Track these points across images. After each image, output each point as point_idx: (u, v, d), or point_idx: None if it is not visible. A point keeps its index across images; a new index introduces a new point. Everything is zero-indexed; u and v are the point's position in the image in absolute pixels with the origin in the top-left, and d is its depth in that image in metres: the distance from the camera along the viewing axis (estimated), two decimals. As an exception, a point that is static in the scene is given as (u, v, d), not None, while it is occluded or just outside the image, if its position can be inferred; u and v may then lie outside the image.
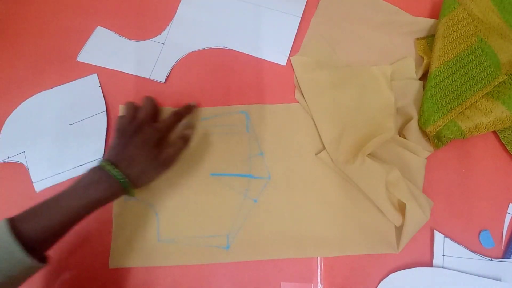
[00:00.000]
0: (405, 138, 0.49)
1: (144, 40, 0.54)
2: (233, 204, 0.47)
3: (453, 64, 0.49)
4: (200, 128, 0.50)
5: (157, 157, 0.41)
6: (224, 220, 0.47)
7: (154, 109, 0.46)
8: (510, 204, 0.48)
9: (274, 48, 0.54)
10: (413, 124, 0.49)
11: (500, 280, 0.45)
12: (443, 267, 0.45)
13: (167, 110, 0.51)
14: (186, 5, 0.56)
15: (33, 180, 0.47)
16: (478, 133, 0.48)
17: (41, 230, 0.35)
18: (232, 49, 0.54)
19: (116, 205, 0.47)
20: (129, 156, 0.40)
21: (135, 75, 0.52)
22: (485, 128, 0.47)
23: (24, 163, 0.48)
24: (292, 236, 0.46)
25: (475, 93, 0.48)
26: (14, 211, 0.46)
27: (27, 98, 0.51)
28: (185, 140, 0.45)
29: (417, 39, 0.55)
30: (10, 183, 0.48)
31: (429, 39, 0.54)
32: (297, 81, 0.52)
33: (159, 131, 0.43)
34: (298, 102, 0.52)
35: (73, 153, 0.48)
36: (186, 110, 0.48)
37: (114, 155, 0.40)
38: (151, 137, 0.42)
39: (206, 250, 0.46)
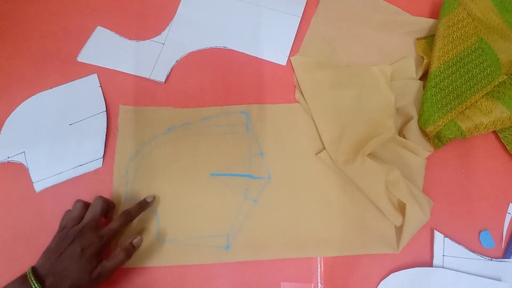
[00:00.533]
0: (405, 138, 0.49)
1: (144, 40, 0.54)
2: (233, 204, 0.47)
3: (453, 64, 0.49)
4: (200, 128, 0.50)
5: (93, 271, 0.38)
6: (224, 220, 0.47)
7: (102, 211, 0.42)
8: (510, 204, 0.48)
9: (274, 48, 0.54)
10: (413, 124, 0.49)
11: (500, 280, 0.45)
12: (443, 267, 0.45)
13: (167, 110, 0.51)
14: (186, 5, 0.56)
15: (33, 180, 0.47)
16: (478, 133, 0.48)
17: None
18: (232, 49, 0.54)
19: (116, 205, 0.47)
20: (61, 269, 0.37)
21: (135, 75, 0.52)
22: (485, 128, 0.47)
23: (24, 163, 0.48)
24: (292, 236, 0.46)
25: (475, 93, 0.48)
26: (14, 211, 0.47)
27: (27, 98, 0.51)
28: (127, 253, 0.41)
29: (417, 39, 0.55)
30: (10, 183, 0.48)
31: (429, 39, 0.54)
32: (297, 81, 0.52)
33: (102, 239, 0.40)
34: (298, 102, 0.52)
35: (73, 153, 0.48)
36: (140, 208, 0.44)
37: (46, 265, 0.37)
38: (91, 246, 0.39)
39: (206, 250, 0.46)
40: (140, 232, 0.46)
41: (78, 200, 0.44)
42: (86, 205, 0.43)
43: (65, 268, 0.37)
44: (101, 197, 0.44)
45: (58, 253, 0.38)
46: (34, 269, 0.37)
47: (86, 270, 0.38)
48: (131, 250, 0.42)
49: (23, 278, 0.37)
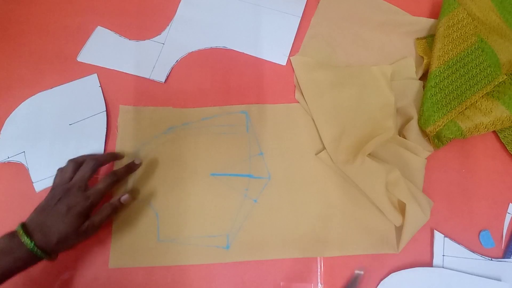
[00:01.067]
0: (405, 138, 0.49)
1: (144, 40, 0.54)
2: (233, 204, 0.47)
3: (453, 64, 0.49)
4: (200, 128, 0.50)
5: (79, 227, 0.40)
6: (224, 220, 0.47)
7: (93, 172, 0.43)
8: (510, 204, 0.48)
9: (274, 48, 0.54)
10: (413, 124, 0.49)
11: (500, 280, 0.45)
12: (443, 267, 0.45)
13: (167, 110, 0.51)
14: (186, 5, 0.56)
15: (33, 180, 0.47)
16: (478, 133, 0.48)
17: None
18: (232, 49, 0.54)
19: (121, 156, 0.47)
20: (49, 224, 0.39)
21: (135, 75, 0.52)
22: (485, 128, 0.47)
23: (24, 163, 0.48)
24: (292, 236, 0.46)
25: (475, 93, 0.48)
26: (14, 211, 0.47)
27: (27, 98, 0.51)
28: (114, 208, 0.43)
29: (417, 39, 0.55)
30: (10, 183, 0.48)
31: (429, 39, 0.54)
32: (297, 81, 0.52)
33: (87, 199, 0.40)
34: (298, 102, 0.52)
35: (73, 153, 0.48)
36: (127, 171, 0.45)
37: (34, 221, 0.39)
38: (77, 205, 0.40)
39: (206, 250, 0.46)
40: (140, 232, 0.46)
41: (71, 160, 0.44)
42: (79, 165, 0.43)
43: (52, 224, 0.39)
44: (92, 157, 0.44)
45: (46, 211, 0.40)
46: (23, 225, 0.39)
47: (72, 226, 0.39)
48: (118, 207, 0.43)
49: (12, 234, 0.38)
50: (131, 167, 0.46)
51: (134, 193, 0.45)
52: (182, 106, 0.51)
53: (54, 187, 0.42)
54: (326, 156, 0.48)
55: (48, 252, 0.39)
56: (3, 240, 0.38)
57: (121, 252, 0.45)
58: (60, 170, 0.44)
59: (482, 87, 0.48)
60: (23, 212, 0.47)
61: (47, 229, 0.39)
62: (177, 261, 0.45)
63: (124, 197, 0.44)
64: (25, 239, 0.37)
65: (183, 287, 0.45)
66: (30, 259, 0.38)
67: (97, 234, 0.46)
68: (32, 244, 0.37)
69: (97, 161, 0.44)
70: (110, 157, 0.47)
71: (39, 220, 0.39)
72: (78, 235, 0.40)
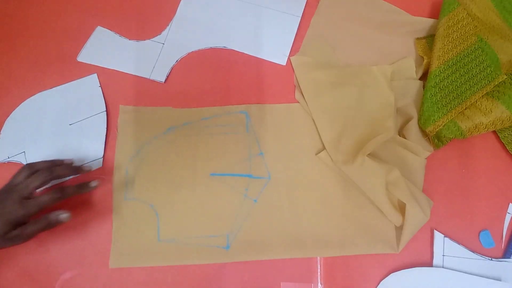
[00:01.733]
0: (405, 138, 0.49)
1: (144, 40, 0.54)
2: (233, 204, 0.47)
3: (453, 64, 0.49)
4: (200, 128, 0.50)
5: (5, 234, 0.38)
6: (224, 220, 0.47)
7: (42, 184, 0.41)
8: (510, 204, 0.48)
9: (274, 48, 0.54)
10: (413, 124, 0.49)
11: (500, 280, 0.45)
12: (443, 267, 0.45)
13: (167, 110, 0.51)
14: (186, 5, 0.56)
15: (33, 180, 0.47)
16: (478, 133, 0.48)
17: None
18: (232, 49, 0.54)
19: (116, 205, 0.47)
20: None
21: (135, 75, 0.52)
22: (485, 128, 0.47)
23: (24, 163, 0.48)
24: (292, 236, 0.46)
25: (475, 93, 0.48)
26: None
27: (27, 98, 0.51)
28: (48, 224, 0.40)
29: (417, 39, 0.55)
30: (10, 183, 0.48)
31: (429, 39, 0.54)
32: (297, 81, 0.52)
33: (24, 209, 0.39)
34: (298, 102, 0.52)
35: (73, 153, 0.48)
36: (77, 191, 0.43)
37: None
38: (11, 213, 0.38)
39: (206, 250, 0.46)
40: (140, 232, 0.46)
41: (28, 165, 0.43)
42: (34, 171, 0.42)
43: None
44: (48, 168, 0.42)
45: None
46: None
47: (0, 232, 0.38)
48: (53, 222, 0.41)
49: None
50: (83, 188, 0.44)
51: (69, 214, 0.42)
52: (182, 106, 0.51)
53: (9, 182, 0.41)
54: (326, 156, 0.48)
55: None
56: None
57: (122, 252, 0.45)
58: (17, 172, 0.42)
59: (482, 87, 0.48)
60: (23, 212, 0.47)
61: None
62: (177, 261, 0.45)
63: (62, 216, 0.41)
64: None
65: (183, 287, 0.45)
66: None
67: (97, 234, 0.46)
68: None
69: (51, 173, 0.42)
70: (70, 171, 0.44)
71: None
72: (4, 240, 0.38)
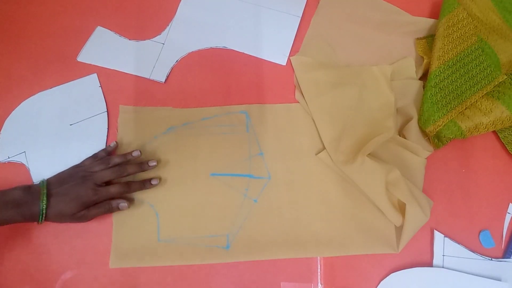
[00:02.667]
0: (405, 138, 0.49)
1: (144, 40, 0.54)
2: (233, 204, 0.47)
3: (453, 64, 0.49)
4: (200, 128, 0.50)
5: (76, 213, 0.42)
6: (224, 220, 0.47)
7: (116, 177, 0.45)
8: (510, 204, 0.48)
9: (274, 48, 0.54)
10: (413, 124, 0.49)
11: (500, 280, 0.45)
12: (443, 267, 0.45)
13: (167, 110, 0.51)
14: (186, 5, 0.56)
15: (34, 180, 0.47)
16: (478, 133, 0.48)
17: None
18: (232, 49, 0.54)
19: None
20: (56, 198, 0.42)
21: (135, 75, 0.52)
22: (485, 128, 0.47)
23: (25, 163, 0.48)
24: (292, 236, 0.46)
25: (475, 93, 0.48)
26: (14, 211, 0.47)
27: (27, 98, 0.51)
28: (110, 209, 0.44)
29: (417, 39, 0.55)
30: (10, 183, 0.47)
31: (429, 39, 0.54)
32: (297, 81, 0.52)
33: (96, 195, 0.43)
34: (298, 102, 0.52)
35: (74, 153, 0.48)
36: (140, 187, 0.46)
37: (55, 184, 0.43)
38: (84, 196, 0.43)
39: (206, 250, 0.46)
40: (140, 232, 0.46)
41: (108, 158, 0.46)
42: (110, 164, 0.45)
43: (58, 200, 0.42)
44: (124, 169, 0.45)
45: (61, 186, 0.43)
46: (47, 186, 0.42)
47: (71, 210, 0.42)
48: (113, 209, 0.45)
49: (29, 188, 0.42)
50: (146, 185, 0.47)
51: (131, 202, 0.46)
52: (182, 106, 0.51)
53: (80, 165, 0.46)
54: (326, 156, 0.48)
55: (45, 217, 0.41)
56: (18, 192, 0.41)
57: (122, 252, 0.45)
58: (94, 157, 0.46)
59: (482, 87, 0.48)
60: (23, 212, 0.47)
61: (53, 201, 0.42)
62: (177, 261, 0.45)
63: (122, 205, 0.45)
64: (44, 201, 0.41)
65: (183, 287, 0.45)
66: (29, 218, 0.41)
67: (97, 234, 0.46)
68: (45, 208, 0.41)
69: (124, 171, 0.45)
70: (138, 169, 0.46)
71: (56, 189, 0.42)
72: (71, 218, 0.43)
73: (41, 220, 0.41)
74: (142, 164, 0.47)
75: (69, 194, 0.42)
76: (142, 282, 0.45)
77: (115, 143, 0.48)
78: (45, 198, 0.41)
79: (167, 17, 0.55)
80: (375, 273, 0.45)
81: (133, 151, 0.47)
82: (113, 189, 0.44)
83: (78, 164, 0.46)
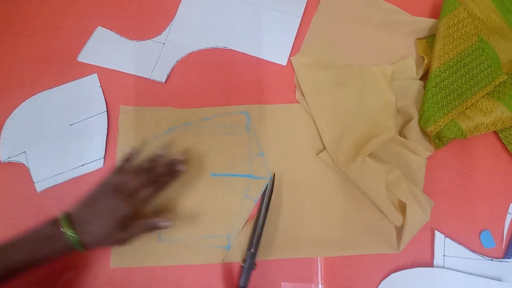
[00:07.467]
0: (405, 138, 0.49)
1: (145, 40, 0.54)
2: (233, 204, 0.47)
3: (454, 64, 0.49)
4: (201, 128, 0.50)
5: (114, 234, 0.39)
6: (224, 220, 0.47)
7: (148, 182, 0.42)
8: (511, 204, 0.48)
9: (274, 48, 0.54)
10: (414, 124, 0.49)
11: (500, 280, 0.45)
12: (443, 267, 0.45)
13: (168, 110, 0.51)
14: (186, 5, 0.56)
15: (34, 180, 0.47)
16: (479, 133, 0.48)
17: None
18: (233, 49, 0.54)
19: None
20: (90, 220, 0.39)
21: (136, 75, 0.52)
22: (486, 128, 0.47)
23: (25, 163, 0.48)
24: (292, 236, 0.46)
25: (475, 93, 0.48)
26: (15, 211, 0.47)
27: (27, 98, 0.51)
28: (147, 229, 0.41)
29: (418, 39, 0.55)
30: (11, 183, 0.48)
31: (430, 39, 0.54)
32: (298, 81, 0.52)
33: (131, 206, 0.40)
34: (299, 102, 0.52)
35: (74, 153, 0.48)
36: (170, 179, 0.44)
37: (78, 212, 0.39)
38: (118, 211, 0.40)
39: (206, 250, 0.46)
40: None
41: (126, 160, 0.43)
42: (135, 168, 0.43)
43: (93, 221, 0.39)
44: (159, 165, 0.43)
45: (92, 206, 0.40)
46: (68, 216, 0.39)
47: (107, 230, 0.39)
48: (153, 229, 0.42)
49: (54, 221, 0.38)
50: (174, 175, 0.44)
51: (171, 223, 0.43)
52: (182, 106, 0.51)
53: (106, 181, 0.41)
54: (327, 156, 0.48)
55: (84, 245, 0.38)
56: (47, 227, 0.38)
57: (122, 252, 0.45)
58: (119, 169, 0.42)
59: (483, 87, 0.48)
60: (23, 212, 0.47)
61: (87, 225, 0.39)
62: (178, 261, 0.45)
63: (166, 223, 0.42)
64: (69, 232, 0.37)
65: (184, 287, 0.45)
66: (68, 250, 0.38)
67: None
68: (76, 238, 0.37)
69: (153, 175, 0.43)
70: (167, 170, 0.44)
71: (84, 213, 0.39)
72: (109, 242, 0.40)
73: (81, 249, 0.38)
74: (173, 163, 0.44)
75: (100, 213, 0.39)
76: (143, 282, 0.45)
77: (132, 149, 0.44)
78: (67, 227, 0.38)
79: (168, 17, 0.55)
80: (376, 273, 0.45)
81: (159, 149, 0.45)
82: (144, 192, 0.41)
83: (103, 181, 0.42)
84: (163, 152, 0.45)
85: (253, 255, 0.43)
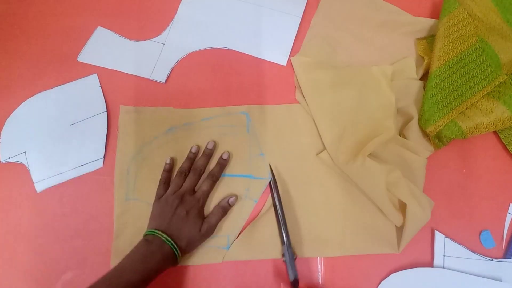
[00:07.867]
0: (405, 138, 0.49)
1: (145, 40, 0.54)
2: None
3: (454, 64, 0.49)
4: (201, 129, 0.50)
5: (200, 228, 0.43)
6: (224, 220, 0.47)
7: (198, 178, 0.47)
8: (511, 204, 0.48)
9: (274, 48, 0.54)
10: (414, 124, 0.49)
11: (500, 280, 0.45)
12: (443, 267, 0.45)
13: (168, 110, 0.51)
14: (186, 5, 0.56)
15: (34, 180, 0.47)
16: (479, 133, 0.48)
17: None
18: (233, 49, 0.54)
19: (117, 206, 0.47)
20: (176, 227, 0.42)
21: (136, 75, 0.52)
22: (486, 128, 0.47)
23: (25, 163, 0.48)
24: (292, 236, 0.46)
25: (475, 93, 0.48)
26: (15, 211, 0.47)
27: (27, 98, 0.51)
28: (224, 209, 0.46)
29: (418, 39, 0.55)
30: (11, 183, 0.48)
31: (430, 39, 0.54)
32: (298, 81, 0.52)
33: (198, 201, 0.45)
34: (299, 103, 0.52)
35: (74, 153, 0.48)
36: (221, 168, 0.47)
37: (163, 226, 0.42)
38: (193, 208, 0.44)
39: (207, 250, 0.46)
40: (141, 232, 0.46)
41: (180, 172, 0.47)
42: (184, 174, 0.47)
43: (177, 229, 0.42)
44: (200, 158, 0.47)
45: (167, 218, 0.43)
46: (158, 230, 0.41)
47: (195, 228, 0.43)
48: (227, 208, 0.46)
49: (146, 241, 0.41)
50: (223, 164, 0.48)
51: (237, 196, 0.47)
52: (182, 106, 0.51)
53: (160, 196, 0.45)
54: (327, 156, 0.48)
55: (181, 252, 0.42)
56: (144, 244, 0.41)
57: (122, 252, 0.45)
58: (176, 185, 0.46)
59: (483, 87, 0.48)
60: (23, 212, 0.47)
61: (175, 235, 0.42)
62: (177, 261, 0.45)
63: (232, 199, 0.46)
64: (168, 240, 0.40)
65: (183, 287, 0.45)
66: (169, 261, 0.41)
67: (98, 234, 0.46)
68: (176, 247, 0.41)
69: (214, 177, 0.47)
70: (221, 169, 0.48)
71: (165, 227, 0.42)
72: (201, 236, 0.43)
73: (179, 256, 0.41)
74: (209, 153, 0.48)
75: (180, 218, 0.43)
76: (142, 282, 0.45)
77: (170, 159, 0.48)
78: (164, 235, 0.41)
79: (168, 17, 0.55)
80: (376, 273, 0.45)
81: (208, 143, 0.48)
82: (205, 186, 0.46)
83: (157, 198, 0.46)
84: (195, 149, 0.48)
85: (289, 246, 0.44)
